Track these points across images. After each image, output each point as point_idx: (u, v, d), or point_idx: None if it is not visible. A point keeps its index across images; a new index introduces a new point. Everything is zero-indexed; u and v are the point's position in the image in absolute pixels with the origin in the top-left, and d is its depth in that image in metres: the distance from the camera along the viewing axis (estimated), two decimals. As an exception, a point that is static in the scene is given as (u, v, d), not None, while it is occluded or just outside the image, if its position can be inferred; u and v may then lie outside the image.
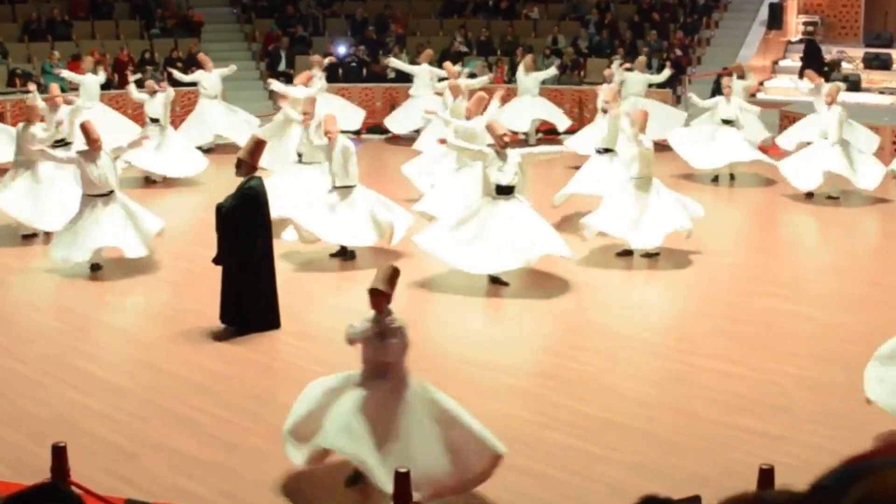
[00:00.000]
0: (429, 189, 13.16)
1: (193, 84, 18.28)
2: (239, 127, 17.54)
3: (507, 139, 10.79)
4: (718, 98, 16.45)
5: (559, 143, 16.95)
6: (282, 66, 21.50)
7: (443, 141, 12.64)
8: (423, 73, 19.01)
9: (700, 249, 12.13)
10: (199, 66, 18.29)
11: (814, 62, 20.83)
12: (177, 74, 18.26)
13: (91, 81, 17.23)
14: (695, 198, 12.86)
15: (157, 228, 11.58)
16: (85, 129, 11.44)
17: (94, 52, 19.99)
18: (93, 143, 11.27)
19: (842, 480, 1.26)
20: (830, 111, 14.95)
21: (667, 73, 19.23)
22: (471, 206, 10.94)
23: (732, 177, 16.33)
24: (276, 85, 16.42)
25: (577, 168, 14.35)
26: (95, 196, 11.27)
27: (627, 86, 18.09)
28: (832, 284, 11.50)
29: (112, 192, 11.34)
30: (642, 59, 19.21)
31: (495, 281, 10.95)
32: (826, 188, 14.99)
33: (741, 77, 17.93)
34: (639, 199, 11.67)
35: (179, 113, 18.87)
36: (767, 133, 17.54)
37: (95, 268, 11.42)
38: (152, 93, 16.02)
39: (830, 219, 14.59)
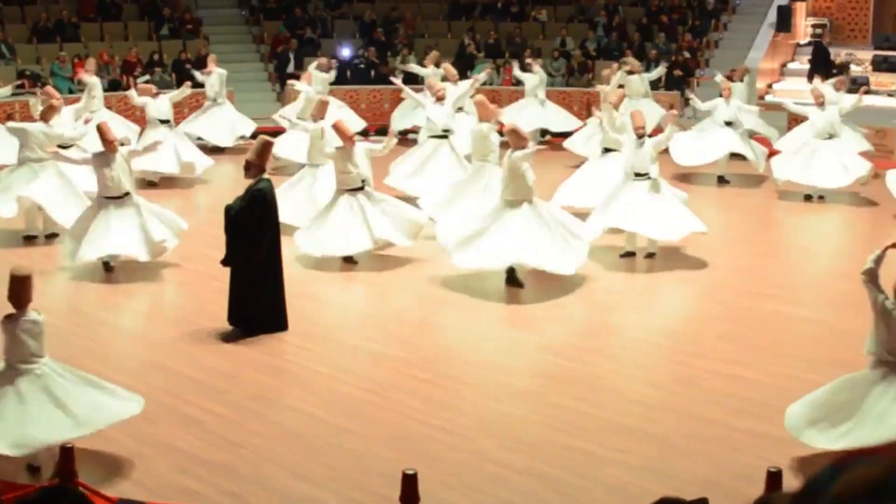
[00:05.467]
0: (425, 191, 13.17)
1: (201, 85, 18.33)
2: (217, 134, 17.78)
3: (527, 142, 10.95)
4: (717, 100, 16.37)
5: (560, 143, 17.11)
6: (290, 69, 21.52)
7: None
8: (434, 76, 19.00)
9: (704, 252, 12.11)
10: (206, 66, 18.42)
11: (822, 65, 20.77)
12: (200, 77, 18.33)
13: (98, 83, 17.21)
14: (695, 199, 12.81)
15: (166, 238, 11.39)
16: (101, 130, 11.38)
17: (103, 54, 20.03)
18: (108, 145, 11.17)
19: (826, 479, 1.28)
20: (828, 110, 15.05)
21: (660, 70, 19.25)
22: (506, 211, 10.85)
23: (723, 179, 16.31)
24: (299, 85, 17.00)
25: (577, 167, 14.37)
26: (109, 198, 11.25)
27: (628, 89, 17.94)
28: (838, 287, 11.44)
29: (126, 194, 11.27)
30: (634, 61, 19.07)
31: (512, 283, 10.95)
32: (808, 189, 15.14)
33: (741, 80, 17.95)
34: (655, 199, 11.64)
35: (186, 114, 18.89)
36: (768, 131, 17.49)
37: (108, 268, 11.45)
38: (155, 95, 15.95)
39: (832, 221, 14.56)
